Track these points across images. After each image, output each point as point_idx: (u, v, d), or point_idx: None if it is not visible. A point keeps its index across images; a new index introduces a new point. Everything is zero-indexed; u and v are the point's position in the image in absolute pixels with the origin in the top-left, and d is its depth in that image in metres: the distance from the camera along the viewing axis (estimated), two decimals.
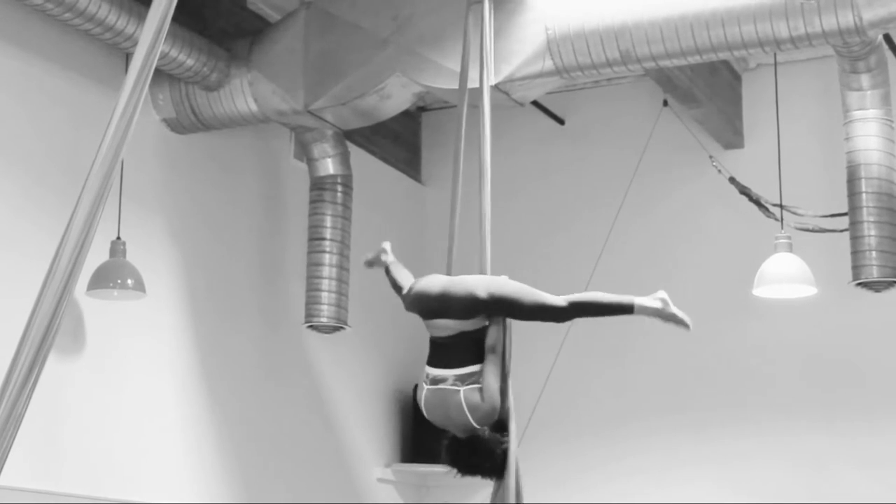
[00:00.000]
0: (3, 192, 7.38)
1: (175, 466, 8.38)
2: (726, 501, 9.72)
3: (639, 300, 5.53)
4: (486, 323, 5.48)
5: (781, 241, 8.48)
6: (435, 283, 5.55)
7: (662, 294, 5.58)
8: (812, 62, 9.77)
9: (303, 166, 9.30)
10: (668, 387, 10.05)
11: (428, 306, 5.52)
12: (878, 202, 8.02)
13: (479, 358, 5.42)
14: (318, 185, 9.05)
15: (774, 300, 9.05)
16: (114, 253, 7.56)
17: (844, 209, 8.27)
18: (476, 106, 5.94)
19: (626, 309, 5.56)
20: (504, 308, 5.47)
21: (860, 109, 8.10)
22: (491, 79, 5.96)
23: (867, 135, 8.08)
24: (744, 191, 9.22)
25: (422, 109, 11.00)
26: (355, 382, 10.08)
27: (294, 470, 9.35)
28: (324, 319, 8.91)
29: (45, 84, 7.71)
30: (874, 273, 8.03)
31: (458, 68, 7.76)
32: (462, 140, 6.01)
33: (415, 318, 11.36)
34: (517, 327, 5.59)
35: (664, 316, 5.58)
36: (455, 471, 5.46)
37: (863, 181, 8.06)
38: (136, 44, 4.44)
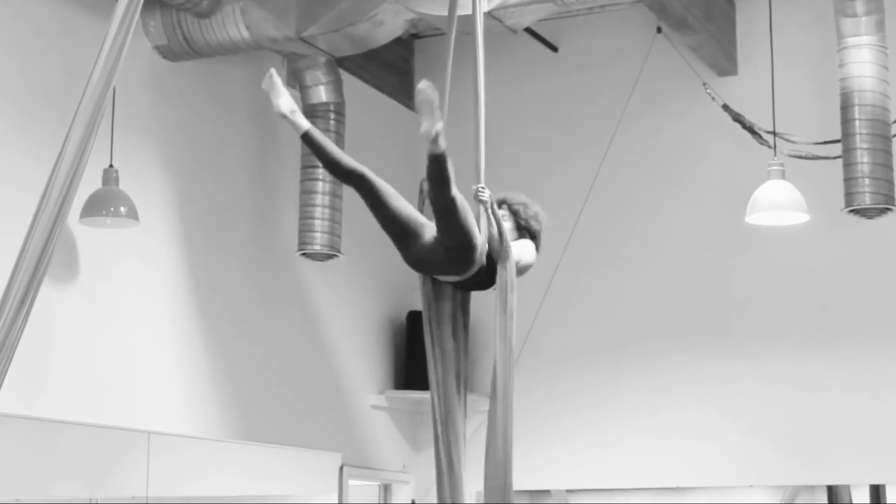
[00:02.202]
0: None
1: (168, 393, 8.42)
2: (719, 426, 9.79)
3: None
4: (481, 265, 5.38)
5: (774, 168, 8.48)
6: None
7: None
8: None
9: (295, 93, 9.26)
10: (661, 312, 10.08)
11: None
12: (871, 129, 8.02)
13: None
14: (311, 113, 9.03)
15: (767, 227, 9.06)
16: (106, 181, 7.55)
17: (838, 136, 8.27)
18: (468, 33, 5.88)
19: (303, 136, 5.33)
20: (451, 236, 5.34)
21: (854, 36, 8.07)
22: (484, 5, 5.90)
23: (861, 61, 8.06)
24: (737, 118, 9.21)
25: (415, 36, 10.94)
26: (349, 310, 10.11)
27: (287, 397, 9.40)
28: (317, 247, 8.93)
29: (34, 11, 7.65)
30: (867, 200, 8.05)
31: None
32: (449, 68, 5.89)
33: None
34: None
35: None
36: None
37: (856, 108, 8.05)
38: None
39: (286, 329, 9.46)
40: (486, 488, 5.30)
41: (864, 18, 8.03)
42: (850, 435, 9.44)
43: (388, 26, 8.39)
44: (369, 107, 10.35)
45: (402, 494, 10.56)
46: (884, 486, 10.31)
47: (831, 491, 10.58)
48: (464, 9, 6.15)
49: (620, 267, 10.22)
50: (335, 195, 8.97)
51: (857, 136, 8.04)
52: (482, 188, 5.46)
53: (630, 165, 10.18)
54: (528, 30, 9.83)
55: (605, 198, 10.07)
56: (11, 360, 4.11)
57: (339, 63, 9.16)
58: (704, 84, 9.53)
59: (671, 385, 9.98)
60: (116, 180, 7.57)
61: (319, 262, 9.20)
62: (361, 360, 10.22)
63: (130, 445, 7.85)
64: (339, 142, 9.05)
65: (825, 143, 8.79)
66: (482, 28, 5.70)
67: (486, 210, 5.43)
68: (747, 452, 9.70)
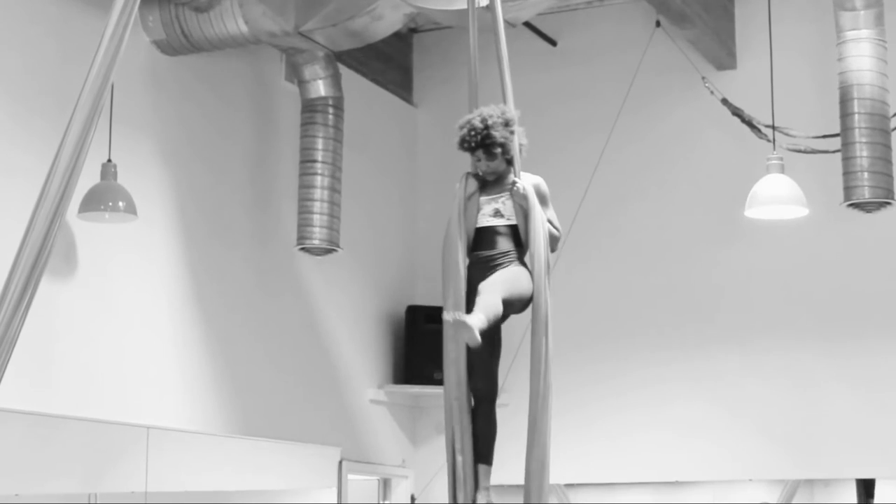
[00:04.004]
0: None
1: (167, 388, 8.41)
2: (718, 421, 9.78)
3: None
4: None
5: (773, 162, 8.48)
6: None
7: None
8: None
9: (294, 88, 9.27)
10: (659, 307, 10.07)
11: None
12: (870, 123, 8.02)
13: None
14: (310, 108, 9.03)
15: (766, 221, 9.06)
16: (105, 175, 7.54)
17: (837, 130, 8.27)
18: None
19: None
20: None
21: (853, 30, 8.07)
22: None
23: (860, 55, 8.06)
24: (736, 112, 9.21)
25: (413, 31, 10.95)
26: (348, 304, 10.11)
27: (287, 391, 9.39)
28: (316, 242, 8.92)
29: (34, 5, 7.64)
30: (866, 194, 8.04)
31: None
32: (476, 60, 5.97)
33: (405, 241, 11.34)
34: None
35: None
36: None
37: (855, 102, 8.05)
38: None
39: (285, 323, 9.46)
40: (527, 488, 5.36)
41: (863, 12, 8.02)
42: (849, 430, 9.43)
43: (386, 21, 8.38)
44: (368, 101, 10.35)
45: (401, 489, 10.57)
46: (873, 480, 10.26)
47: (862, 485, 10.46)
48: (461, 3, 6.16)
49: (618, 261, 10.21)
50: (334, 190, 8.96)
51: (857, 130, 8.03)
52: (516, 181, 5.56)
53: (629, 160, 10.17)
54: (528, 24, 9.83)
55: (604, 191, 10.05)
56: (11, 353, 4.11)
57: (338, 57, 9.15)
58: (703, 78, 9.53)
59: (670, 379, 9.97)
60: (115, 175, 7.56)
61: (318, 257, 9.20)
62: (360, 354, 10.21)
63: (129, 440, 7.84)
64: (338, 136, 9.04)
65: (824, 136, 8.78)
66: (502, 23, 5.73)
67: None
68: (746, 447, 9.70)
